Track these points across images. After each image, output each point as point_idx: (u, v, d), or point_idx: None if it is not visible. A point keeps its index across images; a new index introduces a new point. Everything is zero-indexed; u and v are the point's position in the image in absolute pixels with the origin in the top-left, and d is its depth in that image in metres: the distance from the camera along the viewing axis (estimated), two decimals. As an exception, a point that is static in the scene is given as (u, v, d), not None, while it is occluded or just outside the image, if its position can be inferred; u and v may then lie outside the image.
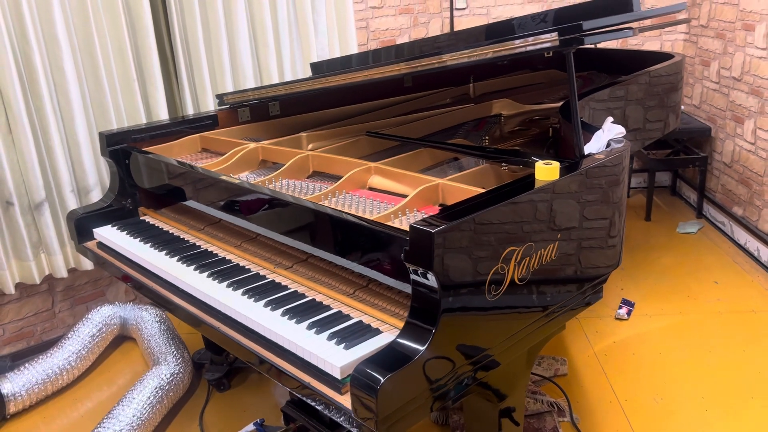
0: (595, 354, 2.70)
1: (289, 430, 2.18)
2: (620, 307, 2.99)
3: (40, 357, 2.65)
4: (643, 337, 2.79)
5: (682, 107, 4.27)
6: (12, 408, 2.51)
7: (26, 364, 2.60)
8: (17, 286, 2.86)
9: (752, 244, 3.46)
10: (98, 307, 2.88)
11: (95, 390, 2.71)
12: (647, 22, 3.89)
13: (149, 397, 2.34)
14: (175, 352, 2.61)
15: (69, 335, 2.75)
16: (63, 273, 2.87)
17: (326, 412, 1.37)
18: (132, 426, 2.22)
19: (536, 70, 3.46)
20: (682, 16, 4.11)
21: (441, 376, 1.31)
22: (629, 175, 4.37)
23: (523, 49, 1.53)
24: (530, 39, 1.51)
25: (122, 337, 3.01)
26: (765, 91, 3.31)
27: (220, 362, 2.67)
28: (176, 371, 2.50)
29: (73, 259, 2.92)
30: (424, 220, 1.30)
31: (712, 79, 3.90)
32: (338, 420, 1.34)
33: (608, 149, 1.75)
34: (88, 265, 2.94)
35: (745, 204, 3.58)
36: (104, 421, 2.23)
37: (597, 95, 2.45)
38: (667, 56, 3.09)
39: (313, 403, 1.40)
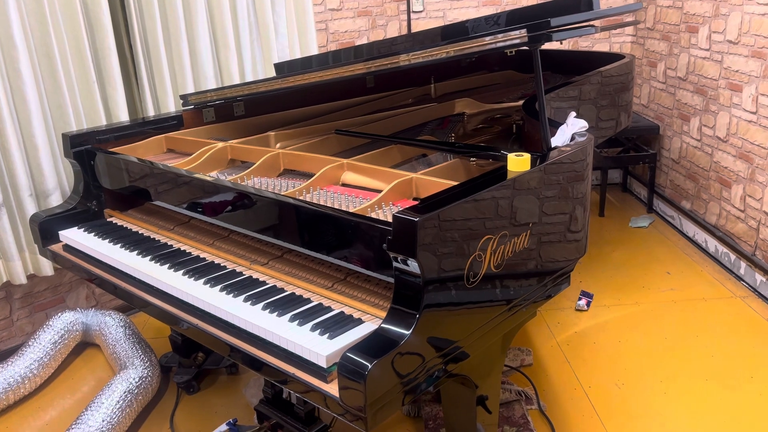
0: (558, 344, 2.79)
1: (263, 428, 2.18)
2: (580, 299, 3.09)
3: (0, 366, 2.58)
4: (603, 327, 2.90)
5: (631, 107, 4.44)
6: (-28, 419, 2.44)
7: (-14, 374, 2.53)
8: (-27, 294, 2.78)
9: (700, 236, 3.62)
10: (59, 314, 2.82)
11: (58, 398, 2.65)
12: (596, 23, 4.03)
13: (118, 401, 2.30)
14: (142, 356, 2.58)
15: (30, 343, 2.68)
16: (22, 279, 2.80)
17: (311, 402, 1.39)
18: (102, 430, 2.19)
19: (493, 71, 3.55)
20: (629, 18, 4.28)
21: (429, 358, 1.35)
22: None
23: (494, 46, 1.58)
24: (500, 36, 1.57)
25: (84, 344, 2.95)
26: (709, 90, 3.48)
27: (189, 365, 2.64)
28: (144, 375, 2.47)
29: (32, 265, 2.85)
30: (406, 210, 1.34)
31: (659, 79, 4.07)
32: (325, 409, 1.36)
33: (573, 142, 1.82)
34: (47, 270, 2.87)
35: (692, 198, 3.75)
36: (73, 426, 2.19)
37: (552, 95, 2.53)
38: (618, 57, 3.22)
39: (296, 394, 1.42)
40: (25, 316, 2.97)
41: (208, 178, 1.86)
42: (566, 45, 4.22)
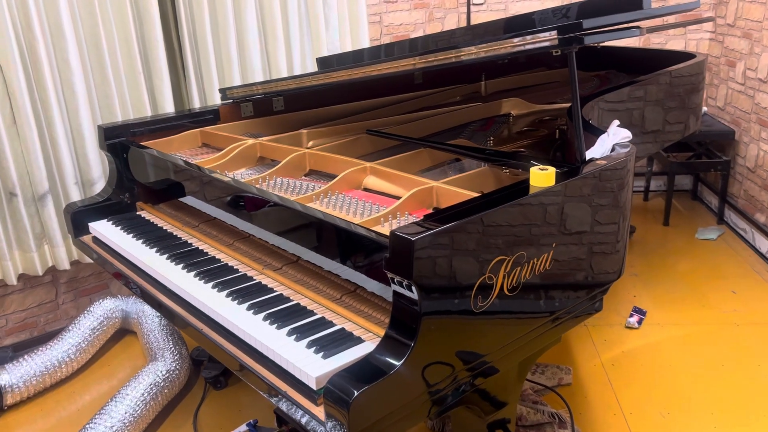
0: (602, 364, 2.61)
1: (281, 432, 2.14)
2: (631, 316, 2.89)
3: (40, 349, 2.65)
4: (654, 348, 2.70)
5: (706, 109, 4.14)
6: (9, 400, 2.51)
7: (25, 356, 2.60)
8: (20, 277, 2.85)
9: (774, 252, 3.33)
10: (101, 300, 2.87)
11: (94, 383, 2.70)
12: (671, 20, 3.77)
13: (143, 394, 2.31)
14: (172, 348, 2.58)
15: (69, 327, 2.74)
16: (65, 265, 2.86)
17: (302, 421, 1.32)
18: (123, 423, 2.20)
19: (552, 68, 3.37)
20: (707, 14, 3.97)
21: (422, 390, 1.25)
22: (648, 179, 4.25)
23: (522, 48, 1.45)
24: (528, 37, 1.44)
25: (124, 331, 3.00)
26: (791, 94, 3.18)
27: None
28: (173, 368, 2.48)
29: (76, 252, 2.91)
30: (406, 226, 1.24)
31: (738, 80, 3.76)
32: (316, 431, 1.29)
33: (612, 154, 1.66)
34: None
35: None
36: (96, 417, 2.21)
37: (614, 95, 2.36)
38: (688, 56, 2.98)
39: (289, 413, 1.35)
40: (70, 300, 3.04)
41: (223, 178, 1.81)
42: (635, 42, 3.97)
